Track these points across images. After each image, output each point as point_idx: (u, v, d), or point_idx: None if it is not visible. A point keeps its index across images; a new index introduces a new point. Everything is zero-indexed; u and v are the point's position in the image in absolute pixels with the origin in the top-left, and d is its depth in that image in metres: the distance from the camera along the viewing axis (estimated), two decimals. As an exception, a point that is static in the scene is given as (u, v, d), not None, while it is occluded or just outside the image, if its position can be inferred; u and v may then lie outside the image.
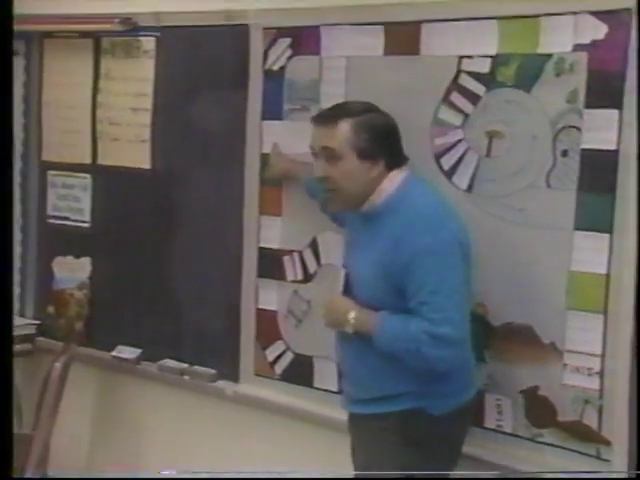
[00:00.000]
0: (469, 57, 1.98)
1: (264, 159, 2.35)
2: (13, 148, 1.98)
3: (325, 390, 2.27)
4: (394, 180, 1.81)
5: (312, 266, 2.30)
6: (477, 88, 1.98)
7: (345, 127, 1.79)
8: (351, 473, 1.91)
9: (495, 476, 1.78)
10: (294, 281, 2.33)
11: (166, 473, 1.97)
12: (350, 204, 1.84)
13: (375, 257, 1.78)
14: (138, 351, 2.64)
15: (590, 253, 1.85)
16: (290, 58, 2.27)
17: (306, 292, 2.31)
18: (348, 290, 1.87)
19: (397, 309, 1.75)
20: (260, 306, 2.40)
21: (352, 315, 1.80)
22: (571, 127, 1.86)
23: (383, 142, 1.80)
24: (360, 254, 1.85)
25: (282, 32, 2.28)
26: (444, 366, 1.73)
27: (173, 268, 2.57)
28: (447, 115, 2.02)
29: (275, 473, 2.08)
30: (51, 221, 2.82)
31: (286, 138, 2.30)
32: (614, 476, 1.78)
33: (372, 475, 1.80)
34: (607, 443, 1.85)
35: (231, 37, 2.37)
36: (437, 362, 1.71)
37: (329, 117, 1.82)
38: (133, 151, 2.61)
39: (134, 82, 2.60)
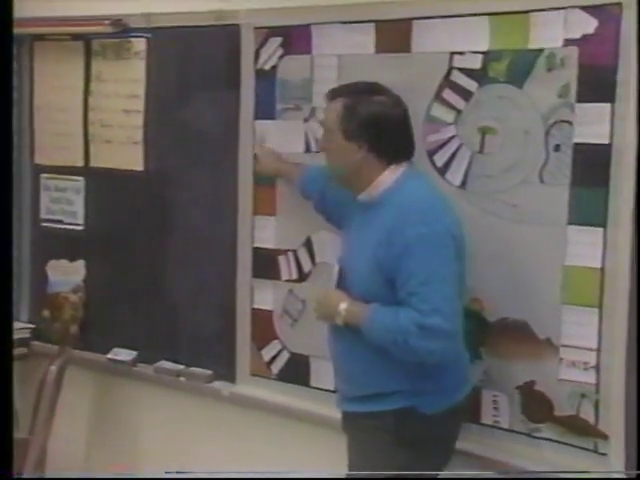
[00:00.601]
0: (460, 53, 1.99)
1: (257, 157, 2.34)
2: (11, 152, 1.99)
3: (322, 389, 2.26)
4: (393, 173, 1.81)
5: (307, 265, 2.30)
6: (469, 84, 1.99)
7: (338, 105, 1.82)
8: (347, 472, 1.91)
9: (495, 476, 1.77)
10: (289, 280, 2.33)
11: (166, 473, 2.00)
12: (343, 183, 1.88)
13: (369, 250, 1.78)
14: (134, 353, 2.63)
15: (584, 247, 1.85)
16: (281, 57, 2.27)
17: (301, 291, 2.31)
18: (342, 285, 1.87)
19: (390, 303, 1.75)
20: (255, 306, 2.40)
21: (343, 307, 1.80)
22: (563, 122, 1.87)
23: (372, 129, 1.79)
24: (355, 248, 1.86)
25: (273, 31, 2.28)
26: (433, 358, 1.72)
27: (168, 269, 2.57)
28: (439, 112, 2.02)
29: (274, 473, 2.08)
30: (44, 224, 2.81)
31: (279, 137, 2.31)
32: (614, 476, 1.78)
33: (372, 475, 1.80)
34: (604, 437, 1.85)
35: (222, 37, 2.37)
36: (426, 354, 1.70)
37: (333, 93, 1.86)
38: (126, 153, 2.61)
39: (125, 84, 2.59)
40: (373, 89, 1.83)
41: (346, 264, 1.89)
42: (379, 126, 1.80)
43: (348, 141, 1.81)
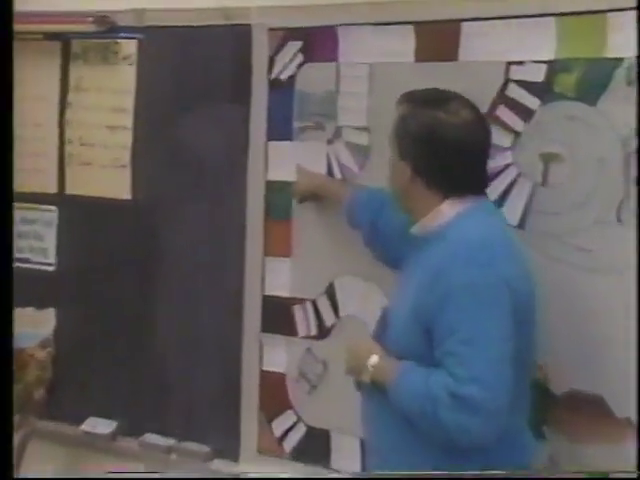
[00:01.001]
0: (520, 63, 2.01)
1: (270, 187, 2.39)
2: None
3: (345, 472, 2.26)
4: (454, 207, 1.82)
5: (329, 318, 2.32)
6: (530, 101, 2.00)
7: (396, 115, 1.85)
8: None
9: (495, 476, 1.75)
10: (307, 337, 2.35)
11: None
12: (402, 209, 1.91)
13: (410, 294, 1.80)
14: (114, 424, 2.65)
15: (673, 304, 1.85)
16: (301, 65, 2.32)
17: (321, 350, 2.32)
18: (381, 336, 1.89)
19: (428, 361, 1.74)
20: (265, 368, 2.42)
21: (372, 361, 1.82)
22: (646, 148, 1.89)
23: (419, 149, 1.81)
24: (400, 292, 1.88)
25: (291, 34, 2.32)
26: (466, 438, 1.69)
27: (158, 321, 2.59)
28: (493, 134, 1.96)
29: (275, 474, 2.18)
30: (8, 263, 2.84)
31: (296, 162, 2.34)
32: (615, 476, 1.78)
33: (372, 475, 1.86)
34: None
35: (229, 40, 2.42)
36: (457, 431, 1.67)
37: (401, 98, 1.87)
38: (110, 178, 2.64)
39: (111, 94, 2.63)
40: (441, 99, 1.82)
41: (389, 310, 1.92)
42: (428, 146, 1.80)
43: (400, 159, 1.84)
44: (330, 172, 2.31)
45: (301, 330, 2.36)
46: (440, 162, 1.81)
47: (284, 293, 2.38)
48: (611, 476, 1.76)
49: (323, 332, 2.33)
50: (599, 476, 1.77)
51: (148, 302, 2.60)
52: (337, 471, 2.29)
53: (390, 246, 2.04)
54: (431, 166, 1.81)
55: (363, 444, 2.17)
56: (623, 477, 1.76)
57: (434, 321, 1.73)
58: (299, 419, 2.38)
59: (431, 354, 1.74)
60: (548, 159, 1.98)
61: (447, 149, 1.79)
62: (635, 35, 1.85)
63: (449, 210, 1.81)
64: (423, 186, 1.82)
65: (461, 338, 1.69)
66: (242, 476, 2.42)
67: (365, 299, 2.24)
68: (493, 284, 1.72)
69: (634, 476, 1.71)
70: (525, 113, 2.01)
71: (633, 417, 1.91)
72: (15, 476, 1.92)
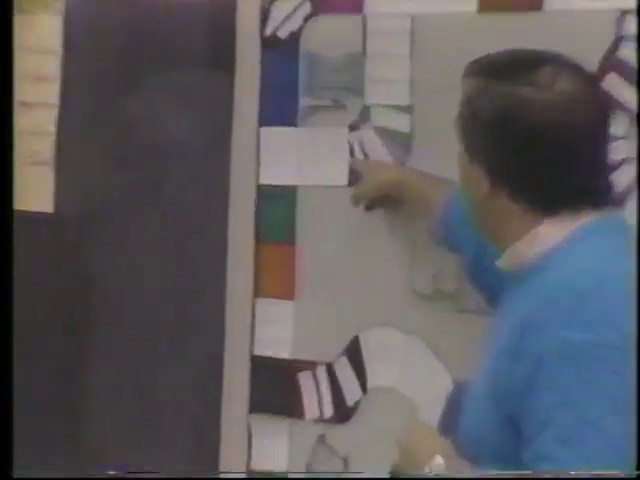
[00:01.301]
0: (637, 13, 1.92)
1: (263, 195, 2.33)
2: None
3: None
4: (561, 228, 1.69)
5: (351, 392, 2.25)
6: (654, 67, 1.96)
7: (462, 92, 1.74)
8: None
9: (495, 476, 1.73)
10: (318, 420, 2.28)
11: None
12: (481, 230, 1.84)
13: (492, 358, 1.71)
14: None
15: None
16: (309, 18, 2.28)
17: (340, 440, 2.26)
18: (452, 421, 1.87)
19: (516, 466, 1.65)
20: (255, 466, 2.35)
21: (435, 464, 1.72)
22: None
23: (495, 144, 1.70)
24: (483, 352, 1.81)
25: (294, -26, 2.32)
26: None
27: (96, 395, 2.54)
28: None
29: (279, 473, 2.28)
30: None
31: (305, 156, 2.28)
32: (616, 476, 1.73)
33: (378, 476, 1.92)
34: None
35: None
36: None
37: (468, 68, 1.76)
38: (23, 182, 2.52)
39: (27, 56, 2.57)
40: (526, 65, 1.68)
41: (466, 386, 1.91)
42: (508, 139, 1.69)
43: (471, 160, 1.72)
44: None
45: (310, 410, 2.28)
46: (528, 163, 1.67)
47: (284, 353, 2.32)
48: (611, 476, 1.72)
49: (343, 413, 2.26)
50: (599, 476, 1.73)
51: (81, 365, 2.56)
52: None
53: (500, 286, 1.93)
54: (515, 169, 1.68)
55: None
56: (623, 477, 1.73)
57: (521, 405, 1.61)
58: (308, 539, 2.34)
59: (517, 451, 1.63)
60: (683, 152, 1.96)
61: (537, 142, 1.66)
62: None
63: (550, 233, 1.68)
64: (508, 199, 1.68)
65: (560, 434, 1.57)
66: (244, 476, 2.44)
67: (407, 362, 2.19)
68: (610, 348, 1.57)
69: (634, 476, 1.69)
70: (647, 85, 1.97)
71: None
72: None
